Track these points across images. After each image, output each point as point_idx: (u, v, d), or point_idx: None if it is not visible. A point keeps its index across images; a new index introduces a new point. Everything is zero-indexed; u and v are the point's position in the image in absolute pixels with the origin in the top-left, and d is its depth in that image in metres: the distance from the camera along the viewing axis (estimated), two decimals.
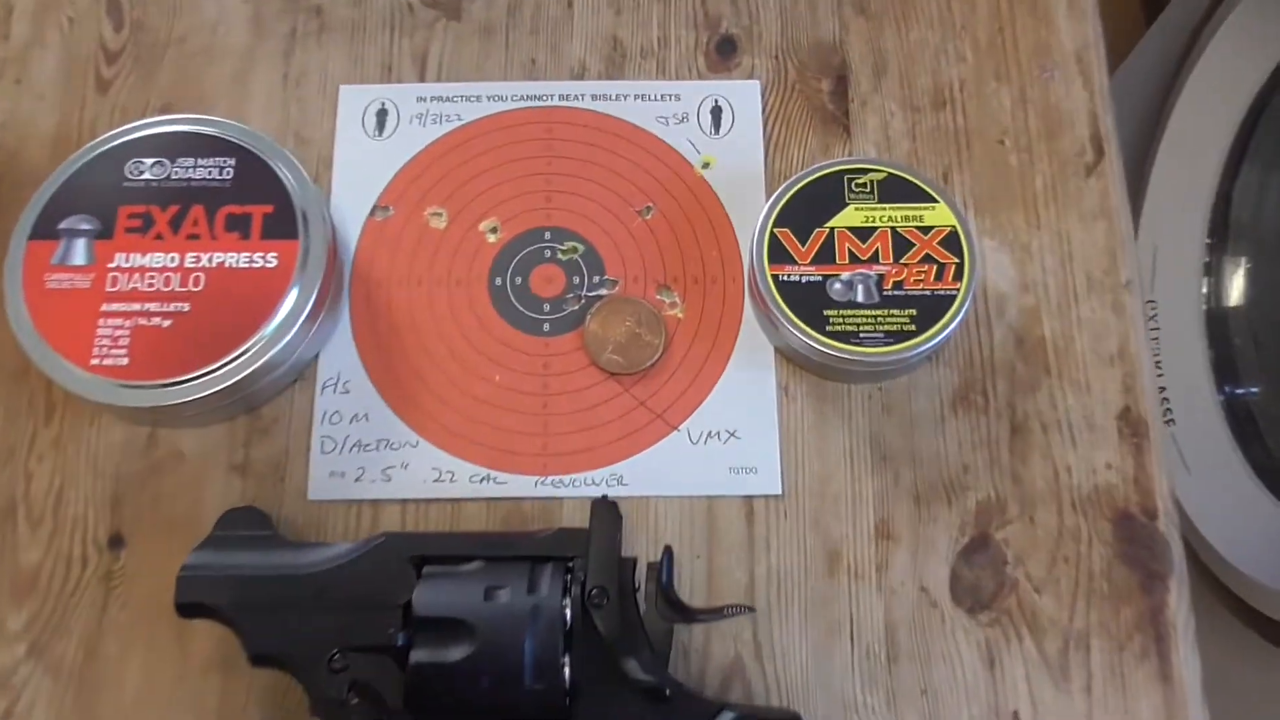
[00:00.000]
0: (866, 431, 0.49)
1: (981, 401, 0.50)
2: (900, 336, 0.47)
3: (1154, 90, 0.94)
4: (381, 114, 0.54)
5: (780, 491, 0.48)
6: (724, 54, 0.56)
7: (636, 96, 0.54)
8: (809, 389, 0.50)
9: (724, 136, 0.54)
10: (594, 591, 0.40)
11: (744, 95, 0.55)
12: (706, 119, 0.54)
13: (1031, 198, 0.53)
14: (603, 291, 0.51)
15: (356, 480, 0.48)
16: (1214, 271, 0.91)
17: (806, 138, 0.54)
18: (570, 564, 0.41)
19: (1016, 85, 0.55)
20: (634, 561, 0.42)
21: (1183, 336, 0.90)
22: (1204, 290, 0.91)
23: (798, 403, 0.50)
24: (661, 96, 0.55)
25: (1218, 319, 0.90)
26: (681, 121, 0.54)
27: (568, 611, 0.39)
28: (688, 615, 0.42)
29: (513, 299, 0.51)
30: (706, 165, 0.53)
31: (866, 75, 0.55)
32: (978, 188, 0.53)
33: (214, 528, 0.43)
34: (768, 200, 0.51)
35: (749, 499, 0.48)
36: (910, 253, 0.48)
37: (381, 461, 0.48)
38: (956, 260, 0.48)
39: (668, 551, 0.42)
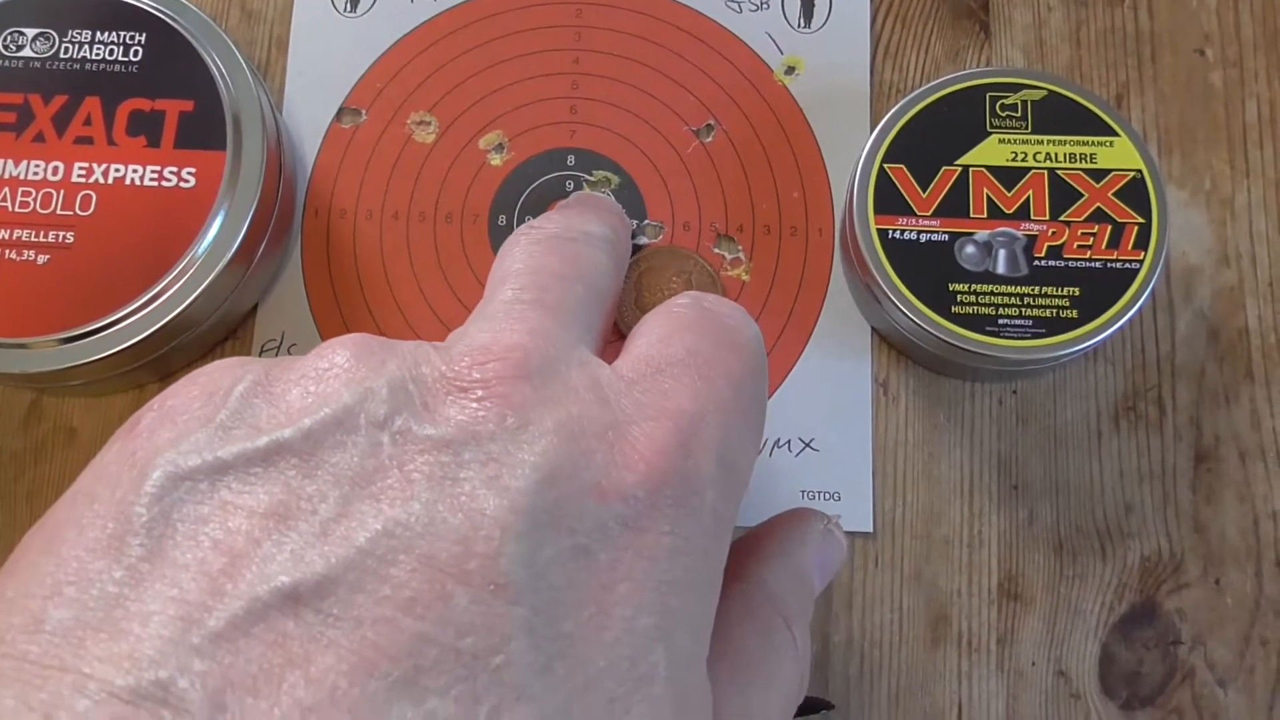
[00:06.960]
0: (993, 450, 0.36)
1: (1155, 415, 0.36)
2: (1055, 325, 0.33)
3: None
4: None
5: (871, 528, 0.35)
6: None
7: None
8: (917, 387, 0.37)
9: (816, 31, 0.40)
10: None
11: None
12: (794, 6, 0.40)
13: (1239, 133, 0.39)
14: (642, 240, 0.38)
15: None
16: None
17: (929, 37, 0.40)
18: None
19: None
20: None
21: None
22: None
23: (901, 405, 0.36)
24: None
25: None
26: (759, 8, 0.40)
27: None
28: None
29: None
30: (791, 70, 0.39)
31: None
32: (1165, 116, 0.39)
33: None
34: (875, 124, 0.37)
35: None
36: (1075, 206, 0.34)
37: None
38: (1141, 219, 0.34)
39: None
